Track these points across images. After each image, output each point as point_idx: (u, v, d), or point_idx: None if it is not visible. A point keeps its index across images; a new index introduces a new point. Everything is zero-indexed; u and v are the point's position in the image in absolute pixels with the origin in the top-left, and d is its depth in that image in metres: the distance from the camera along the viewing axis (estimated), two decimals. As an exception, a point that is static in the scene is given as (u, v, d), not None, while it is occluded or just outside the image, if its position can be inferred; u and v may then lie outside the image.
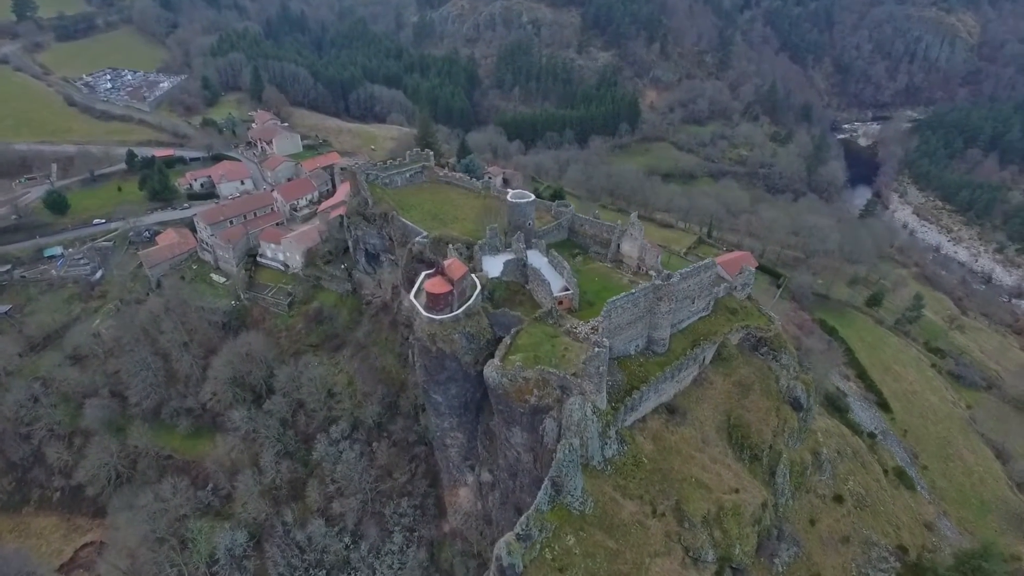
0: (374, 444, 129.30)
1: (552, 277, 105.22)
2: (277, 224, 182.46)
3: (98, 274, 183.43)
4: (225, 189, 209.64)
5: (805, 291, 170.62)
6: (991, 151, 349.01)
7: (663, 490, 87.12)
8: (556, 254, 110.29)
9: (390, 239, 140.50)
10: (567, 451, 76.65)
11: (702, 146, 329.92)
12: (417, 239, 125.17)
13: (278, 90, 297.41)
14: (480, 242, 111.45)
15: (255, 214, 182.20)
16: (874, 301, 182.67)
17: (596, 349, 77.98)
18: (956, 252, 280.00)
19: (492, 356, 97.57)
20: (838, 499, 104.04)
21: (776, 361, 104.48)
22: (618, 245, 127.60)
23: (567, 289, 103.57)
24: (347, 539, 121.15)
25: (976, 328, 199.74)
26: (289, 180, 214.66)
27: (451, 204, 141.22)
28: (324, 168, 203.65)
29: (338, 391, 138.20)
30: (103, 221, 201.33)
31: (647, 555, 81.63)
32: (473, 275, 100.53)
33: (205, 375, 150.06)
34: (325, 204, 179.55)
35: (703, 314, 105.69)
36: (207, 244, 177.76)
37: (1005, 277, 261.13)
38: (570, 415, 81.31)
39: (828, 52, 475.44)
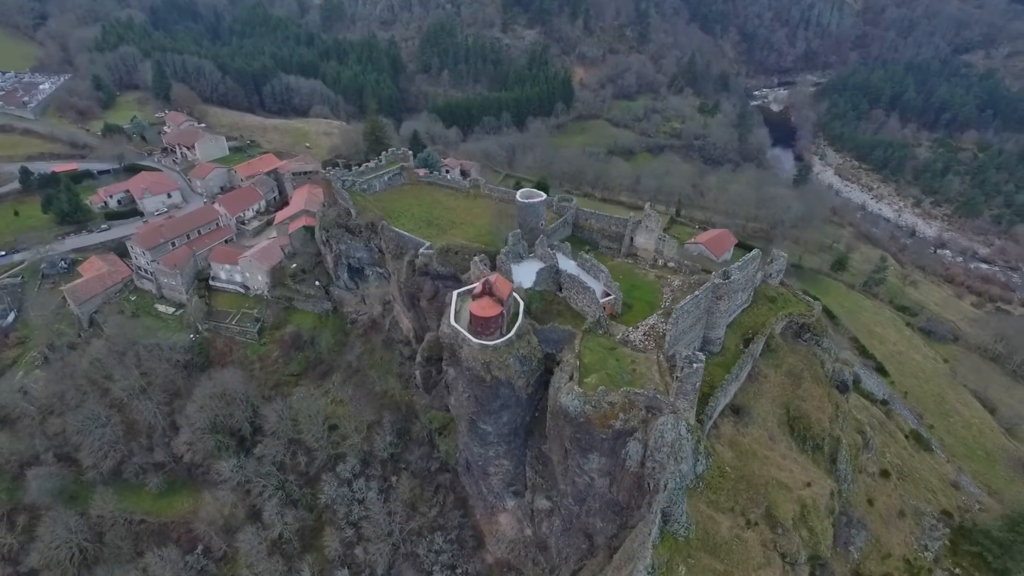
0: (392, 479, 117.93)
1: (590, 282, 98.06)
2: (226, 241, 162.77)
3: (10, 317, 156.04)
4: (149, 204, 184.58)
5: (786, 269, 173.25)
6: (892, 111, 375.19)
7: (751, 498, 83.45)
8: (587, 256, 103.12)
9: (379, 251, 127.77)
10: (678, 479, 70.68)
11: (636, 121, 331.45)
12: (421, 251, 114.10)
13: (184, 87, 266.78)
14: (505, 250, 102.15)
15: (199, 232, 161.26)
16: (839, 266, 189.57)
17: (695, 365, 71.99)
18: (880, 209, 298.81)
19: (544, 377, 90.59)
20: (885, 474, 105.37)
21: (819, 346, 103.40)
22: (631, 238, 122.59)
23: (608, 294, 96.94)
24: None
25: (918, 281, 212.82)
26: (223, 189, 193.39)
27: (441, 207, 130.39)
28: (268, 173, 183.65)
29: (339, 424, 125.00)
30: (3, 253, 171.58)
31: (751, 569, 77.85)
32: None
33: (173, 423, 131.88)
34: (282, 215, 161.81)
35: (745, 306, 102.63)
36: (146, 271, 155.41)
37: (927, 229, 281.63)
38: (661, 436, 75.29)
39: (733, 21, 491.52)
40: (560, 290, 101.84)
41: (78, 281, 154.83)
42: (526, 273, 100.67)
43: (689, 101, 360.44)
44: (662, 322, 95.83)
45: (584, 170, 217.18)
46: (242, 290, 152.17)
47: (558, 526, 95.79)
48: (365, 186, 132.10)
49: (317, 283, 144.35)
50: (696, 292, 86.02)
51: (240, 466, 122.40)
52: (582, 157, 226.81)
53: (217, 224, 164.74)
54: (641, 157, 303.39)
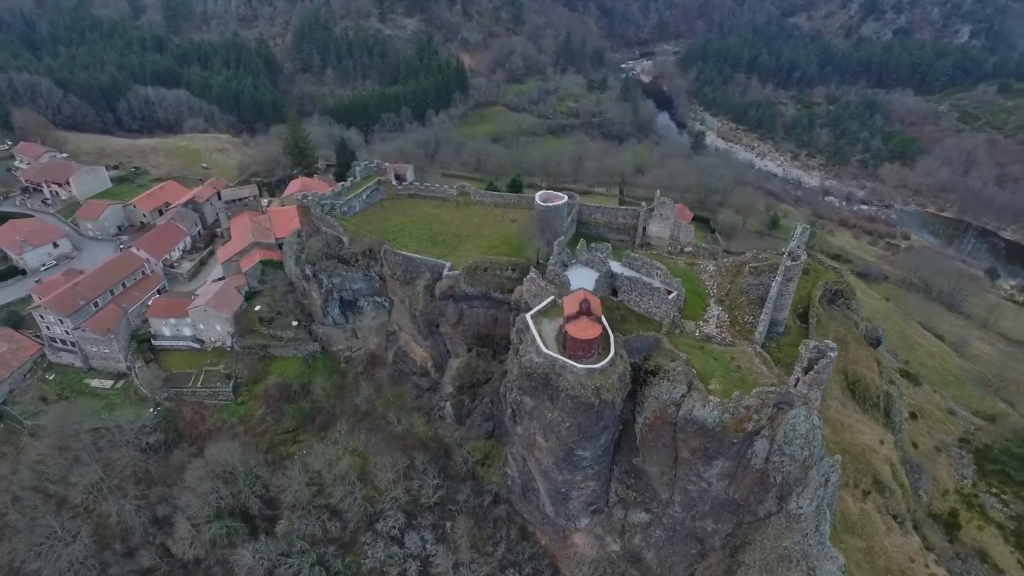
0: (447, 524, 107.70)
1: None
2: (159, 291, 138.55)
3: None
4: (32, 259, 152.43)
5: (737, 231, 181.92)
6: (751, 73, 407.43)
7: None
8: (636, 256, 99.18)
9: (381, 279, 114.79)
10: (838, 470, 69.97)
11: (533, 104, 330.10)
12: (445, 273, 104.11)
13: (28, 110, 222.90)
14: (553, 260, 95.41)
15: (123, 285, 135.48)
16: (773, 224, 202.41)
17: (830, 355, 71.14)
18: (766, 165, 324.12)
19: (631, 389, 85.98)
20: (913, 416, 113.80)
21: (849, 308, 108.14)
22: (644, 228, 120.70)
23: (670, 291, 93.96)
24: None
25: (834, 230, 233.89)
26: (122, 229, 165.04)
27: (437, 221, 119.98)
28: (185, 205, 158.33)
29: (367, 476, 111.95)
30: None
31: (882, 538, 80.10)
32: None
33: (154, 517, 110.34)
34: (227, 251, 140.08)
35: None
36: (64, 341, 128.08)
37: (810, 180, 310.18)
38: (793, 429, 74.17)
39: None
40: (615, 295, 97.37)
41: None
42: (579, 282, 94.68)
43: (575, 79, 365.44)
44: (724, 312, 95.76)
45: (522, 160, 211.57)
46: (196, 345, 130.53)
47: (659, 536, 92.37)
48: (346, 208, 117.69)
49: (295, 323, 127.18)
50: (776, 277, 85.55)
51: (258, 550, 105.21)
52: (514, 147, 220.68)
53: (143, 272, 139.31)
54: (547, 139, 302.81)
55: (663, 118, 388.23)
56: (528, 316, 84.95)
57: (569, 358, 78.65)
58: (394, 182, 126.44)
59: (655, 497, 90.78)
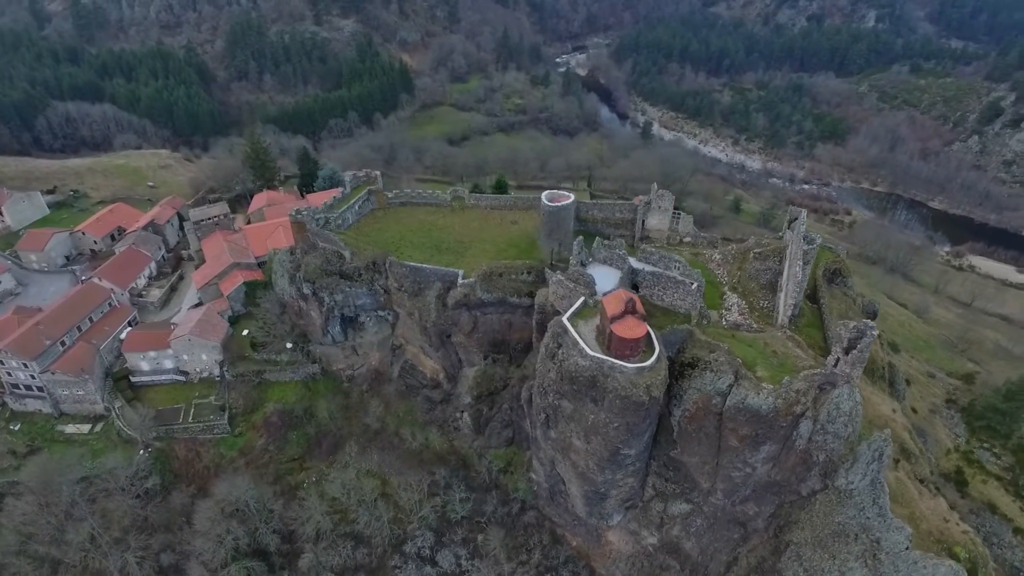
0: (479, 537, 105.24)
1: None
2: (131, 323, 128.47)
3: None
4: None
5: (707, 218, 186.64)
6: (684, 63, 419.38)
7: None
8: (653, 250, 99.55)
9: (385, 292, 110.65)
10: (891, 446, 72.73)
11: (479, 102, 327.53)
12: (460, 281, 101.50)
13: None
14: (574, 260, 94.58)
15: (90, 319, 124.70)
16: (736, 207, 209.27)
17: (872, 332, 73.65)
18: (710, 151, 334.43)
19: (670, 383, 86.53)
20: (907, 382, 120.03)
21: (846, 285, 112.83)
22: (643, 221, 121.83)
23: (692, 283, 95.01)
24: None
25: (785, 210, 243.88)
26: (70, 258, 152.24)
27: (436, 228, 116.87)
28: (146, 227, 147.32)
29: (390, 497, 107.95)
30: None
31: (918, 502, 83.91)
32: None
33: (159, 567, 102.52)
34: (203, 275, 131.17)
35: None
36: (29, 387, 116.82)
37: (752, 163, 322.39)
38: (836, 408, 76.40)
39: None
40: (635, 290, 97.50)
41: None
42: (600, 280, 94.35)
43: (518, 76, 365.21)
44: (741, 299, 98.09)
45: (488, 161, 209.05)
46: (180, 378, 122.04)
47: (700, 524, 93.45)
48: (340, 221, 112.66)
49: (290, 345, 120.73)
50: (796, 261, 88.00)
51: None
52: (474, 147, 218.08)
53: (110, 304, 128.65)
54: (498, 138, 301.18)
55: (604, 110, 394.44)
56: (565, 319, 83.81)
57: (616, 358, 78.10)
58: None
59: (695, 487, 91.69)
